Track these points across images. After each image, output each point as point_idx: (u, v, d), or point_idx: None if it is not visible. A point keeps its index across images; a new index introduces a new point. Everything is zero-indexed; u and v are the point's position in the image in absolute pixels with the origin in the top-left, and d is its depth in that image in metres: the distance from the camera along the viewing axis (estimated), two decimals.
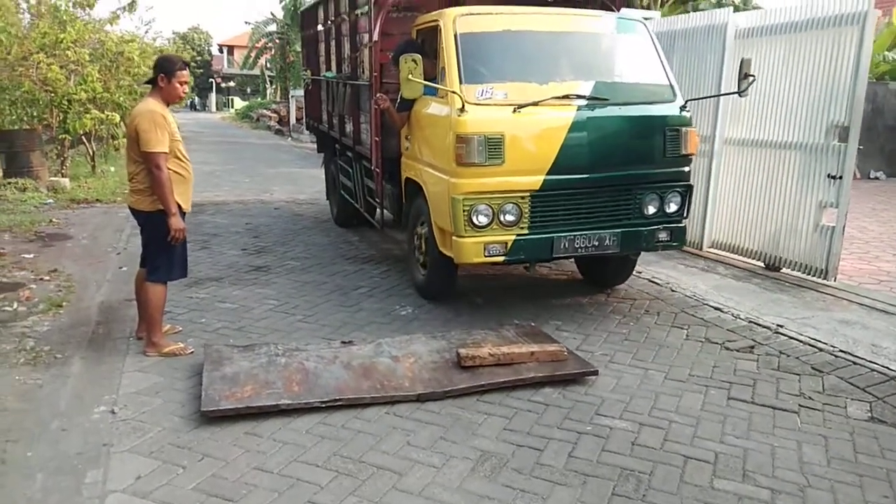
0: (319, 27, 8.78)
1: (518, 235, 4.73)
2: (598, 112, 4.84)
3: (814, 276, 5.98)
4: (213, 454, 3.21)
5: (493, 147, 4.59)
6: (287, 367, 3.99)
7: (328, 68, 8.36)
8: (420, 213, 5.52)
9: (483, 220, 4.66)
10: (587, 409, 3.77)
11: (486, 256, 4.70)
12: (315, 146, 10.80)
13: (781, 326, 5.02)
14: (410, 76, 4.75)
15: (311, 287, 6.01)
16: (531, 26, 5.16)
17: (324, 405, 3.61)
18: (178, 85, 4.35)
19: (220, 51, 60.28)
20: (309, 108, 10.00)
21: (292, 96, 27.24)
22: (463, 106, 4.61)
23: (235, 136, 26.79)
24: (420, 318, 5.24)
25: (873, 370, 4.27)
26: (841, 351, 4.56)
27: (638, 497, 2.97)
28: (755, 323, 5.13)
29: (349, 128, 7.46)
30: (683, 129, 5.00)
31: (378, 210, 6.75)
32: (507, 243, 4.71)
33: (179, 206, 4.32)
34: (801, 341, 4.77)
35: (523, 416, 3.67)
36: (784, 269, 6.33)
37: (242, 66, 43.86)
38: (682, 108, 5.07)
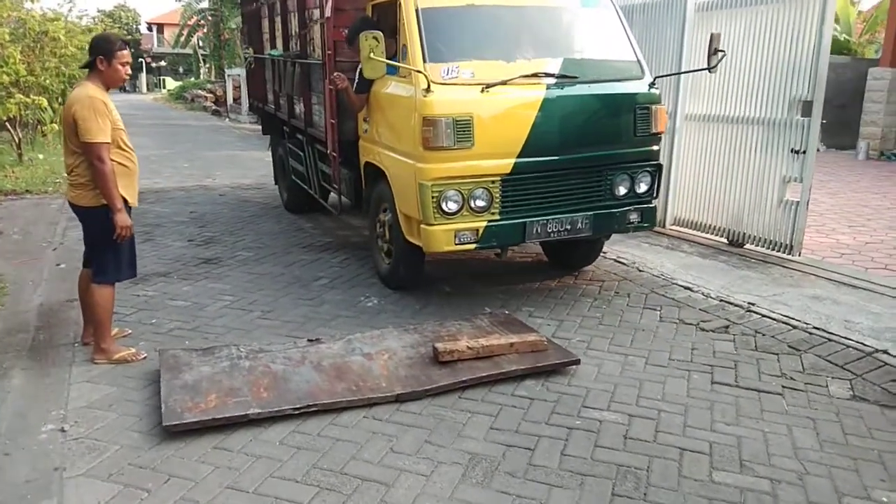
0: (262, 2, 8.31)
1: (489, 221, 4.55)
2: (568, 91, 4.67)
3: (778, 251, 5.99)
4: (179, 474, 2.93)
5: (462, 129, 4.37)
6: (252, 370, 3.72)
7: (273, 46, 7.93)
8: (382, 199, 5.27)
9: (453, 206, 4.46)
10: (573, 401, 3.63)
11: (456, 244, 4.51)
12: (259, 128, 10.45)
13: (753, 304, 4.98)
14: (372, 55, 4.44)
15: (267, 280, 5.70)
16: (495, 0, 4.91)
17: (297, 412, 3.36)
18: (119, 67, 3.97)
19: (150, 29, 57.79)
20: (252, 87, 9.53)
21: (229, 76, 26.32)
22: (428, 86, 4.37)
23: (170, 118, 25.72)
24: (387, 309, 5.01)
25: (849, 346, 4.26)
26: (815, 328, 4.54)
27: (639, 496, 2.83)
28: (727, 302, 5.09)
29: (299, 109, 7.08)
30: (653, 106, 4.88)
31: (336, 196, 6.41)
32: (478, 230, 4.53)
33: (125, 201, 3.97)
34: (774, 319, 4.74)
35: (509, 412, 3.50)
36: (748, 245, 6.32)
37: (174, 44, 42.16)
38: (651, 85, 4.94)
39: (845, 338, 4.36)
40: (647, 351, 4.32)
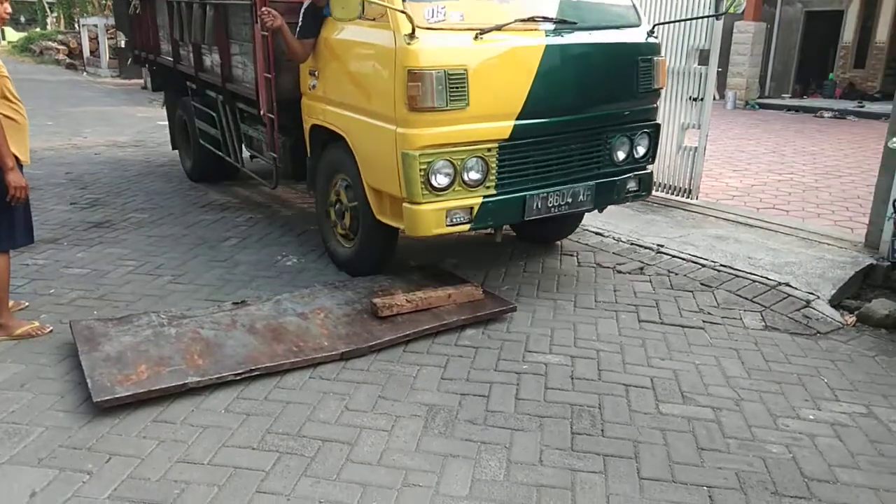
0: None
1: (485, 197, 3.86)
2: (569, 39, 3.98)
3: (678, 195, 6.30)
4: (121, 451, 2.71)
5: (456, 85, 3.60)
6: (180, 337, 3.48)
7: None
8: (336, 170, 4.50)
9: (443, 180, 3.74)
10: (516, 347, 3.68)
11: (448, 225, 3.80)
12: (125, 82, 9.41)
13: (662, 246, 5.22)
14: None
15: (170, 242, 5.33)
16: None
17: (238, 378, 3.19)
18: None
19: None
20: (138, 36, 8.09)
21: (84, 26, 24.08)
22: (413, 31, 3.56)
23: (20, 72, 23.14)
24: (308, 267, 4.83)
25: (755, 281, 4.56)
26: (722, 265, 4.83)
27: (597, 432, 2.92)
28: (637, 245, 5.30)
29: (211, 60, 5.98)
30: (655, 58, 4.30)
31: (262, 164, 5.79)
32: (472, 208, 3.82)
33: (17, 159, 3.54)
34: (684, 259, 4.99)
35: (456, 362, 3.49)
36: None
37: None
38: (650, 33, 4.36)
39: (751, 273, 4.67)
40: (574, 295, 4.44)
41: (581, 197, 4.18)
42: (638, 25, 4.35)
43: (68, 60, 25.29)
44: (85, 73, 22.53)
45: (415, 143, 3.66)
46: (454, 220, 3.80)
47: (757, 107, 14.65)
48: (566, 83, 3.97)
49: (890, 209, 4.58)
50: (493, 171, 3.87)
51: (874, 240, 4.96)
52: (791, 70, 16.93)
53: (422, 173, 3.68)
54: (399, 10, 3.60)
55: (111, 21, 21.08)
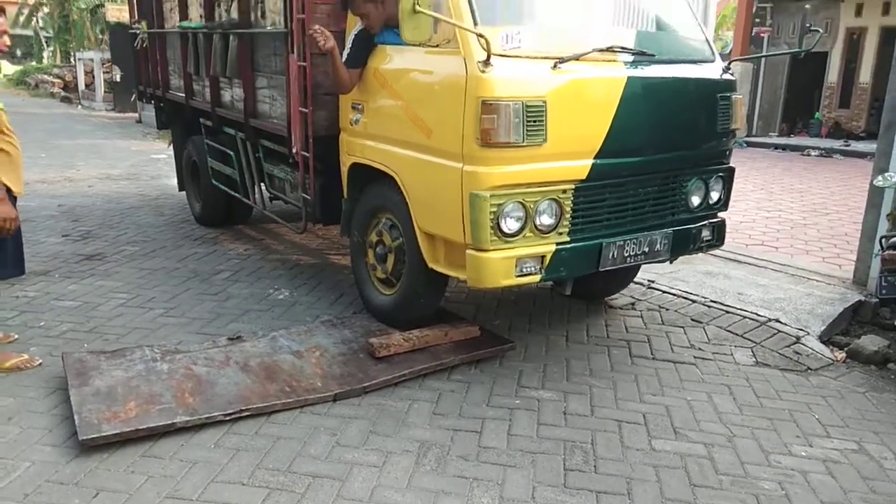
0: None
1: (558, 244, 3.50)
2: (649, 71, 3.69)
3: None
4: (109, 487, 2.67)
5: (534, 119, 3.26)
6: (172, 374, 3.45)
7: (185, 17, 6.34)
8: (380, 212, 4.12)
9: (514, 225, 3.36)
10: (509, 382, 3.67)
11: (517, 276, 3.41)
12: (120, 116, 9.47)
13: (653, 282, 5.25)
14: (418, 6, 3.22)
15: (161, 275, 5.33)
16: None
17: (228, 418, 3.15)
18: None
19: None
20: (145, 71, 7.80)
21: (80, 59, 24.30)
22: (488, 57, 3.21)
23: (15, 105, 23.28)
24: (301, 301, 4.82)
25: (745, 317, 4.59)
26: (712, 301, 4.86)
27: (590, 469, 2.91)
28: None
29: (231, 96, 5.66)
30: (734, 96, 4.02)
31: (286, 206, 5.52)
32: (544, 256, 3.44)
33: (9, 190, 3.55)
34: (674, 294, 5.02)
35: (448, 397, 3.48)
36: None
37: (11, 25, 38.38)
38: (726, 69, 4.07)
39: (741, 309, 4.70)
40: (566, 329, 4.45)
41: (658, 246, 3.85)
42: (713, 61, 4.09)
43: (63, 94, 25.49)
44: (80, 107, 22.66)
45: (485, 182, 3.28)
46: (524, 269, 3.42)
47: (744, 145, 14.86)
48: (648, 119, 3.66)
49: (876, 246, 4.64)
50: (568, 216, 3.51)
51: (862, 276, 5.01)
52: (778, 109, 17.25)
53: (491, 217, 3.29)
54: (474, 33, 3.23)
55: (107, 55, 21.29)
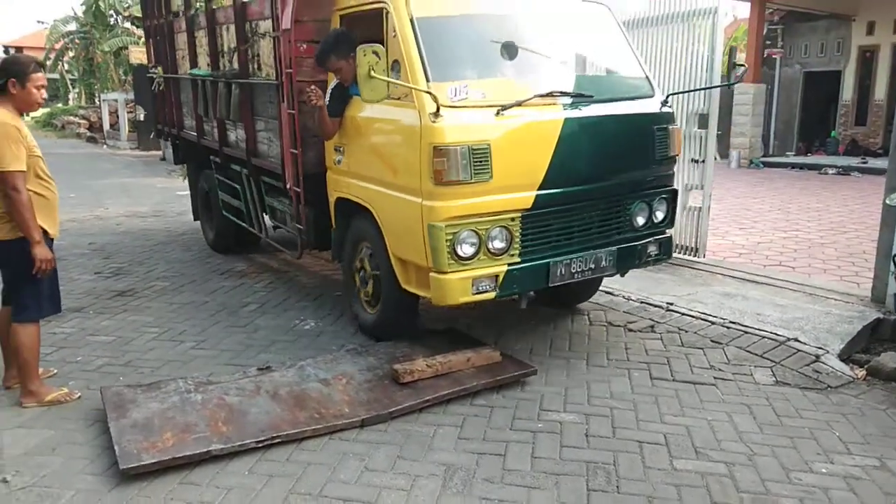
0: (178, 14, 7.48)
1: (509, 265, 3.97)
2: (586, 111, 4.15)
3: (685, 254, 6.42)
4: None
5: (480, 160, 3.78)
6: (206, 404, 3.58)
7: (195, 65, 7.07)
8: (362, 240, 4.64)
9: (469, 250, 3.85)
10: (531, 406, 3.76)
11: (474, 294, 3.89)
12: (145, 154, 9.76)
13: (672, 304, 5.32)
14: (373, 72, 3.78)
15: (191, 309, 5.49)
16: (494, 8, 4.48)
17: (260, 445, 3.27)
18: (33, 90, 3.78)
19: (6, 52, 53.90)
20: (161, 112, 8.46)
21: (104, 100, 24.99)
22: (437, 109, 3.74)
23: (44, 146, 23.34)
24: (327, 330, 4.96)
25: (764, 337, 4.64)
26: (731, 322, 4.91)
27: (612, 489, 2.98)
28: (647, 303, 5.40)
29: (236, 136, 6.24)
30: (670, 127, 4.49)
31: (283, 234, 5.98)
32: (497, 276, 3.92)
33: (45, 233, 3.74)
34: (693, 317, 5.08)
35: (473, 421, 3.57)
36: None
37: None
38: (664, 103, 4.56)
39: (759, 329, 4.75)
40: (586, 353, 4.53)
41: (604, 262, 4.29)
42: (652, 96, 4.54)
43: (89, 134, 26.14)
44: (105, 146, 23.25)
45: (440, 214, 3.79)
46: (480, 288, 3.89)
47: (761, 165, 14.89)
48: (585, 153, 4.13)
49: (892, 265, 4.68)
50: (517, 240, 3.98)
51: (880, 294, 5.04)
52: (793, 128, 17.28)
53: (448, 243, 3.78)
54: (424, 91, 3.77)
55: (131, 96, 21.87)
